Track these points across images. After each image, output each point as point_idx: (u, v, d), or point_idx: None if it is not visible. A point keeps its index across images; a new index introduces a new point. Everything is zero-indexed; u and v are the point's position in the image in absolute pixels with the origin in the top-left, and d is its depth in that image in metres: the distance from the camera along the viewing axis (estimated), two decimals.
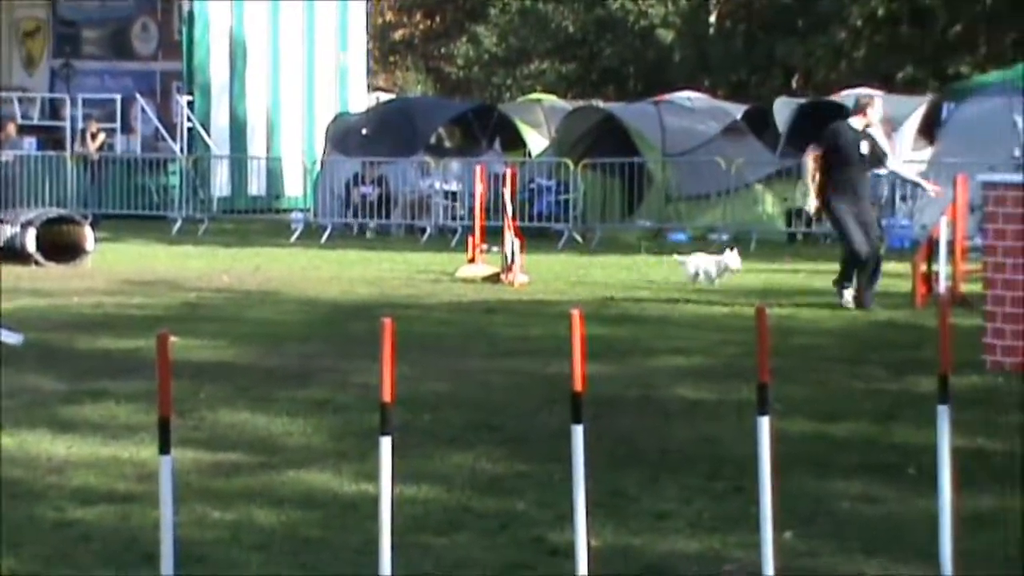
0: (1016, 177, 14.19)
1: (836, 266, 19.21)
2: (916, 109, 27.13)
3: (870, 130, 14.80)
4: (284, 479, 7.61)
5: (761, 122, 28.03)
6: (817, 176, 14.65)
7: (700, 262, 16.88)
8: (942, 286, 14.92)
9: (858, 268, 14.59)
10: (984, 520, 6.76)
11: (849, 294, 14.62)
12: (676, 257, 17.54)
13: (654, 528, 6.71)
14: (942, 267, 15.15)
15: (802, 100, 29.80)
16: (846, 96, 28.98)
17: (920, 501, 6.97)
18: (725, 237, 23.25)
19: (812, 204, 15.00)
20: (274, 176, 30.07)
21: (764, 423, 5.46)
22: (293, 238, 24.67)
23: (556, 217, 24.28)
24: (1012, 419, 9.12)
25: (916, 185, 16.16)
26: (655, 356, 11.69)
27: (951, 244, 15.29)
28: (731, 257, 16.77)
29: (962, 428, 8.43)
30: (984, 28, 39.73)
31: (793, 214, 23.62)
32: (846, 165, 14.53)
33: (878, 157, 14.91)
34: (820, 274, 18.09)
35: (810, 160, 14.73)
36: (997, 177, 12.67)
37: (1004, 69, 28.27)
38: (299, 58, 31.31)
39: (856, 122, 14.78)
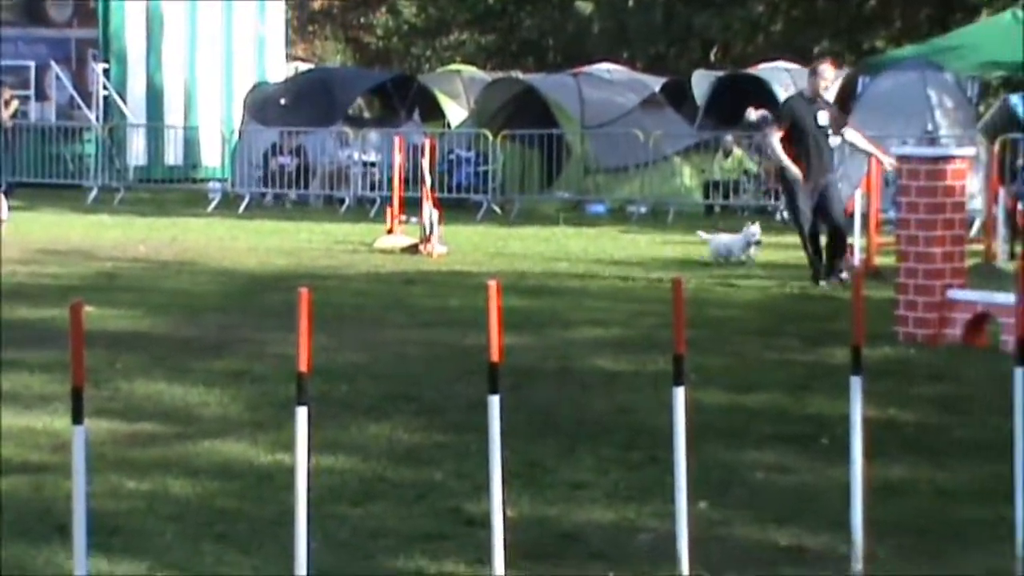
0: (929, 151, 14.37)
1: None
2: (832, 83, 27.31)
3: (825, 95, 14.68)
4: (200, 449, 7.58)
5: (679, 95, 28.14)
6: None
7: (724, 240, 16.29)
8: (856, 259, 15.07)
9: (804, 241, 14.32)
10: (894, 489, 6.85)
11: (839, 277, 14.07)
12: (699, 234, 16.83)
13: (570, 498, 6.75)
14: (856, 240, 15.30)
15: (720, 73, 29.96)
16: (763, 69, 29.21)
17: (832, 471, 7.05)
18: (643, 209, 23.36)
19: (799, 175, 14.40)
20: (191, 145, 29.83)
21: (679, 394, 5.50)
22: (210, 208, 24.51)
23: (475, 188, 24.27)
24: (923, 390, 9.25)
25: (871, 156, 15.39)
26: (573, 327, 11.73)
27: (865, 217, 15.45)
28: (754, 229, 16.10)
29: (874, 399, 8.52)
30: (899, 2, 40.04)
31: (711, 186, 23.74)
32: (804, 139, 14.21)
33: (839, 124, 14.50)
34: None
35: (775, 141, 14.37)
36: (910, 151, 12.83)
37: (918, 43, 28.52)
38: (217, 27, 31.05)
39: (807, 91, 14.59)
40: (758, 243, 15.91)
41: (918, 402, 8.82)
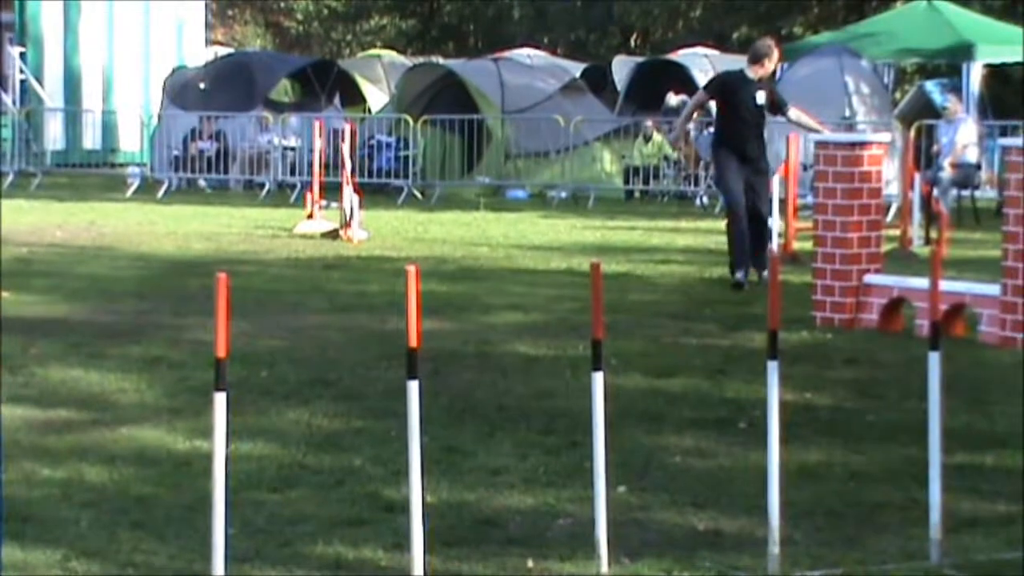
0: (846, 137, 14.49)
1: (674, 223, 19.52)
2: None
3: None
4: (116, 436, 7.52)
5: (600, 80, 28.24)
6: (692, 119, 14.25)
7: None
8: (774, 244, 15.16)
9: (732, 224, 13.33)
10: (811, 473, 6.91)
11: (741, 275, 13.11)
12: None
13: (489, 483, 6.75)
14: (775, 225, 15.40)
15: (640, 59, 30.08)
16: (683, 55, 29.35)
17: (750, 454, 7.10)
18: (564, 195, 23.40)
19: (673, 148, 14.52)
20: (110, 130, 29.57)
21: (598, 379, 5.52)
22: (129, 193, 24.31)
23: (396, 173, 24.22)
24: (839, 374, 9.33)
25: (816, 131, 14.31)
26: (493, 312, 11.74)
27: (783, 202, 15.55)
28: None
29: (792, 383, 8.61)
30: None
31: (631, 171, 23.82)
32: (737, 117, 13.30)
33: (779, 105, 13.63)
34: (657, 231, 18.32)
35: (692, 102, 14.11)
36: (828, 136, 12.91)
37: (835, 30, 28.77)
38: (135, 10, 30.78)
39: (752, 72, 13.46)
40: None
41: (834, 386, 8.90)
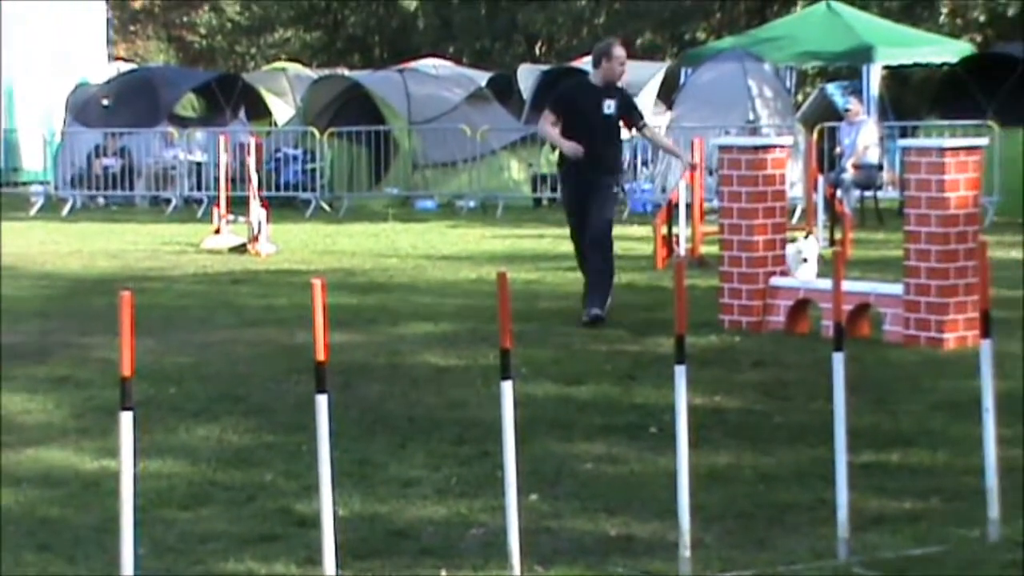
0: (750, 140, 14.60)
1: None
2: (655, 75, 27.68)
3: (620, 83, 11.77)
4: (22, 458, 7.44)
5: (505, 89, 28.27)
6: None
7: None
8: (681, 248, 15.26)
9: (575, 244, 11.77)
10: (720, 476, 6.96)
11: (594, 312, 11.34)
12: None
13: (401, 495, 6.75)
14: (682, 229, 15.50)
15: (545, 67, 30.15)
16: (588, 62, 29.46)
17: (660, 459, 7.14)
18: (472, 204, 23.41)
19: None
20: (11, 148, 29.24)
21: (507, 388, 5.53)
22: (33, 212, 24.05)
23: (303, 186, 24.14)
24: (747, 377, 9.39)
25: (675, 155, 13.53)
26: (402, 323, 11.72)
27: (690, 207, 15.65)
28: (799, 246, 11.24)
29: (700, 387, 8.67)
30: None
31: (538, 179, 23.88)
32: (578, 128, 11.39)
33: (631, 119, 11.70)
34: (565, 239, 18.32)
35: (548, 127, 11.63)
36: (731, 141, 13.02)
37: (738, 35, 29.01)
38: (36, 27, 30.46)
39: (596, 78, 11.61)
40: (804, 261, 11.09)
41: (743, 389, 8.96)
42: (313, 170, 24.20)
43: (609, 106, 11.45)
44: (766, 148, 11.46)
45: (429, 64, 30.39)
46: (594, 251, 11.62)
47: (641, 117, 11.86)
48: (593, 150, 11.36)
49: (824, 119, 22.52)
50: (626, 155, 23.62)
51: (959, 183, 10.25)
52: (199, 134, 25.48)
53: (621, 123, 11.67)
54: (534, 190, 24.06)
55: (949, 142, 10.87)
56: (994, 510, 5.93)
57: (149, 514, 6.20)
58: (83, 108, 26.33)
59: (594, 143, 11.38)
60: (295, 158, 24.48)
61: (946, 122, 20.18)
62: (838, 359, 5.86)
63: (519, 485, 5.56)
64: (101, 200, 25.16)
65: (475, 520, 6.35)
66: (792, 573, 5.57)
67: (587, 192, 11.47)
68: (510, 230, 19.69)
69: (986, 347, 6.01)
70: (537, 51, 42.11)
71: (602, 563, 5.76)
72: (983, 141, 10.99)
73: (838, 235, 16.11)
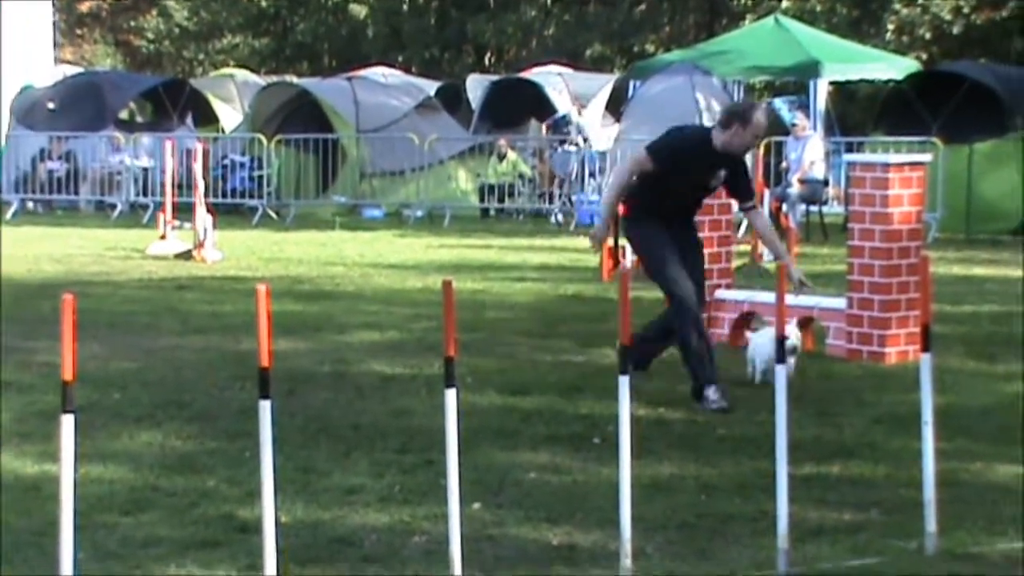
0: None
1: (528, 241, 19.61)
2: (603, 86, 27.78)
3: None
4: None
5: (454, 99, 28.31)
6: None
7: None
8: (628, 260, 15.31)
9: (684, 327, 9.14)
10: (662, 487, 6.99)
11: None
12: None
13: (344, 502, 6.75)
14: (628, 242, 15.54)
15: (494, 77, 30.21)
16: (537, 72, 29.52)
17: (603, 469, 7.17)
18: (419, 213, 23.42)
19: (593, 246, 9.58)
20: None
21: (451, 396, 5.54)
22: None
23: (250, 193, 24.07)
24: (691, 388, 9.41)
25: (776, 254, 9.37)
26: (348, 331, 11.71)
27: None
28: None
29: (645, 398, 8.71)
30: (668, 8, 40.83)
31: (486, 190, 23.90)
32: (674, 192, 9.10)
33: (740, 193, 9.33)
34: (512, 249, 18.40)
35: (623, 177, 9.21)
36: None
37: (686, 48, 29.15)
38: None
39: (719, 139, 9.01)
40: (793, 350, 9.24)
41: (686, 400, 9.00)
42: (260, 177, 24.14)
43: (719, 177, 9.10)
44: None
45: (378, 72, 30.36)
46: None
47: (752, 195, 9.37)
48: (672, 224, 9.08)
49: (771, 134, 22.64)
50: (573, 165, 23.73)
51: (903, 198, 10.34)
52: (146, 139, 25.37)
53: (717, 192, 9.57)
54: (481, 200, 24.08)
55: (894, 158, 10.97)
56: (931, 523, 5.99)
57: (90, 519, 6.18)
58: (28, 111, 26.17)
59: (676, 207, 9.12)
60: (242, 165, 24.41)
61: (891, 138, 20.31)
62: (780, 371, 5.90)
63: (462, 493, 5.57)
64: (33, 206, 24.98)
65: (418, 528, 6.36)
66: None
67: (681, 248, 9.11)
68: (457, 240, 19.70)
69: (926, 361, 6.07)
70: (486, 61, 42.19)
71: (544, 572, 5.78)
72: (927, 157, 11.09)
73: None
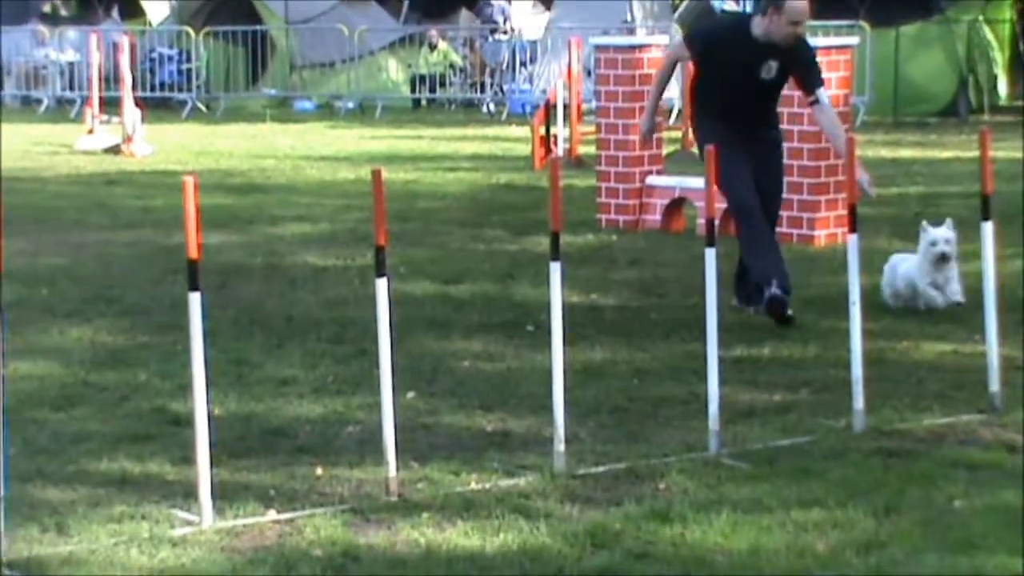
0: (626, 40, 14.61)
1: (461, 131, 19.53)
2: None
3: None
4: None
5: None
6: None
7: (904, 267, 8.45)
8: (559, 149, 15.29)
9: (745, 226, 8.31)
10: (595, 372, 7.03)
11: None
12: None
13: (277, 394, 6.75)
14: (559, 130, 15.51)
15: None
16: None
17: (537, 356, 7.19)
18: (351, 105, 23.26)
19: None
20: None
21: (382, 285, 5.52)
22: None
23: (179, 87, 23.82)
24: (623, 274, 9.47)
25: (839, 150, 8.41)
26: (280, 224, 11.67)
27: (568, 107, 15.65)
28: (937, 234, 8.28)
29: (577, 285, 8.74)
30: None
31: (418, 80, 23.75)
32: (727, 92, 8.23)
33: (807, 81, 8.23)
34: (444, 139, 18.33)
35: (663, 69, 8.63)
36: (608, 41, 13.02)
37: None
38: None
39: (758, 28, 8.16)
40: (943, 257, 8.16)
41: (619, 286, 9.04)
42: (189, 70, 23.87)
43: (770, 69, 8.16)
44: (642, 47, 11.48)
45: None
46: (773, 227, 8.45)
47: (813, 89, 8.20)
48: (735, 122, 8.14)
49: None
50: (504, 55, 23.60)
51: (830, 82, 10.32)
52: (71, 33, 25.00)
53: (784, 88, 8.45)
54: (413, 91, 23.94)
55: (821, 41, 10.95)
56: (859, 401, 6.06)
57: (20, 415, 6.15)
58: None
59: (742, 112, 8.20)
60: (170, 58, 24.13)
61: (818, 22, 20.25)
62: (710, 255, 5.92)
63: (396, 383, 5.58)
64: None
65: (352, 418, 6.38)
66: (664, 465, 5.66)
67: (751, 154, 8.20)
68: (389, 131, 19.60)
69: (853, 242, 6.11)
70: None
71: (478, 458, 5.81)
72: (854, 40, 11.10)
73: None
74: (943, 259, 8.00)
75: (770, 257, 8.08)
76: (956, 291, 8.08)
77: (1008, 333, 7.03)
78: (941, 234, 8.07)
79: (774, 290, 7.92)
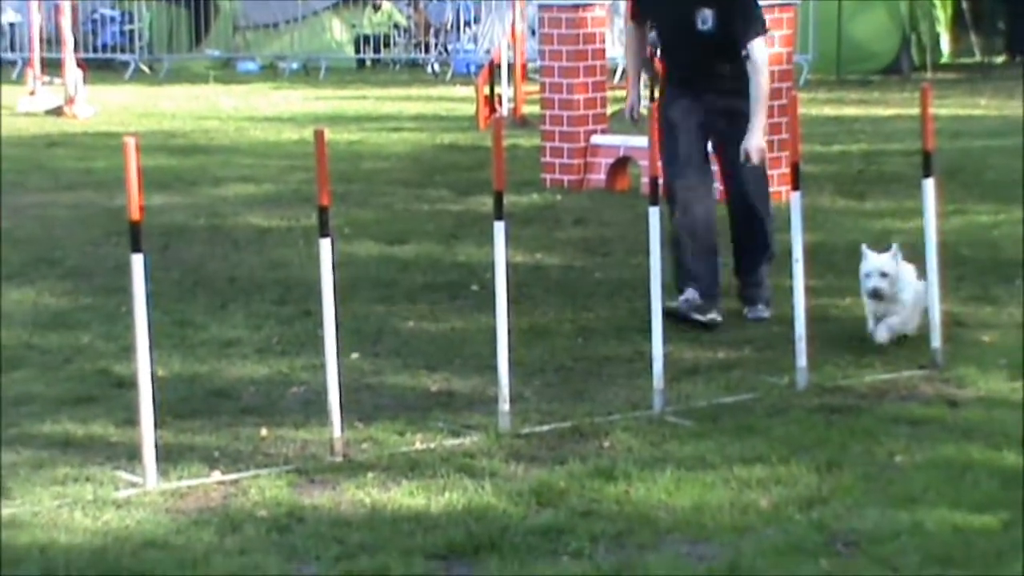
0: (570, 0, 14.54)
1: (405, 91, 19.47)
2: None
3: None
4: None
5: None
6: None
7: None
8: (504, 108, 15.26)
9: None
10: (540, 332, 7.05)
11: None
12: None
13: (222, 355, 6.74)
14: (504, 89, 15.48)
15: None
16: None
17: (481, 316, 7.20)
18: (295, 66, 23.13)
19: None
20: None
21: (325, 245, 5.52)
22: None
23: (122, 48, 23.61)
24: (568, 234, 9.48)
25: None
26: (224, 185, 11.61)
27: (512, 67, 15.62)
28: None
29: (522, 244, 8.75)
30: None
31: (362, 40, 23.64)
32: (674, 48, 7.86)
33: (742, 31, 7.40)
34: (388, 100, 18.26)
35: (630, 39, 8.29)
36: (552, 0, 12.97)
37: None
38: None
39: None
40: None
41: (564, 246, 9.05)
42: (132, 31, 23.67)
43: (705, 19, 7.48)
44: (586, 7, 11.45)
45: None
46: (749, 216, 7.72)
47: (751, 35, 7.38)
48: (686, 78, 7.65)
49: None
50: (448, 15, 23.51)
51: (773, 40, 10.35)
52: None
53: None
54: (357, 51, 23.81)
55: None
56: (802, 358, 6.10)
57: None
58: None
59: (687, 70, 7.65)
60: (112, 19, 23.92)
61: None
62: (654, 213, 5.94)
63: (340, 344, 5.58)
64: None
65: (296, 379, 6.38)
66: (608, 424, 5.69)
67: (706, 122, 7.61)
68: (333, 91, 19.51)
69: (796, 199, 6.14)
70: None
71: (423, 419, 5.82)
72: None
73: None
74: (875, 295, 6.66)
75: (686, 259, 7.35)
76: (895, 325, 6.67)
77: (949, 289, 7.08)
78: (875, 265, 6.68)
79: (681, 302, 7.16)
